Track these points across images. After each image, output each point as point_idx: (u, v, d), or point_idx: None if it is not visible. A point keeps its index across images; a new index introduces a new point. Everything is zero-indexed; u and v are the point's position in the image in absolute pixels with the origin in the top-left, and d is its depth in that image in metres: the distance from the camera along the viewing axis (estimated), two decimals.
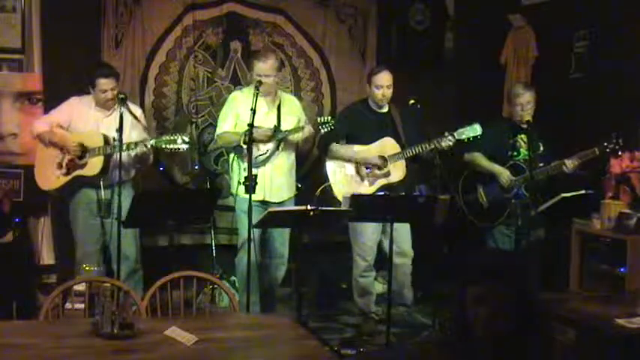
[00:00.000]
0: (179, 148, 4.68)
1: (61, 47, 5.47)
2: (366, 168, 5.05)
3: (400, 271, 5.11)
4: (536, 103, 5.00)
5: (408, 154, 4.96)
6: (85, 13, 5.61)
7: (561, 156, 4.82)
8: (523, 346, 2.07)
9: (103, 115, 4.92)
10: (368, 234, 5.10)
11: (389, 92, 5.04)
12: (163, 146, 4.68)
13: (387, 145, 5.04)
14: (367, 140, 5.07)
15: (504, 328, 2.07)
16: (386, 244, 4.89)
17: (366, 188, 5.03)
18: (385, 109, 5.14)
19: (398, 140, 5.04)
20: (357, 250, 5.17)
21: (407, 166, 5.03)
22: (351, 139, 5.12)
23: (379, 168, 5.01)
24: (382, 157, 5.02)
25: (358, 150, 5.07)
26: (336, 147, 5.09)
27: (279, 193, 5.02)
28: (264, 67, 4.89)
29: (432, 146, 4.85)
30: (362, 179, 5.06)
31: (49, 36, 5.49)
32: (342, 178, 5.10)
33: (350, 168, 5.09)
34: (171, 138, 4.67)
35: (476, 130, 4.85)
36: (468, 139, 4.86)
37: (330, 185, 5.13)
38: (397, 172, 5.03)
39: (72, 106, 4.96)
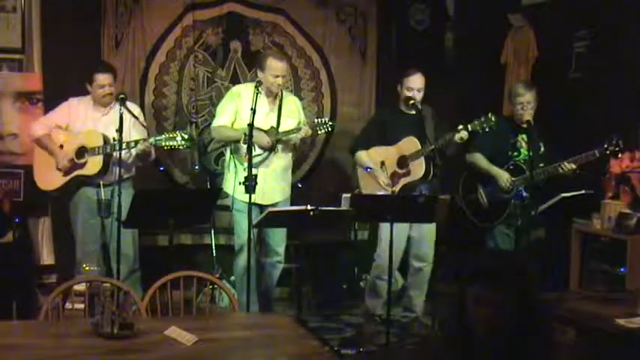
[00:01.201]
0: (179, 146, 4.69)
1: (61, 47, 5.47)
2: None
3: (414, 275, 5.10)
4: (537, 103, 5.00)
5: (426, 152, 4.94)
6: (85, 13, 5.61)
7: (562, 156, 4.82)
8: (523, 347, 2.07)
9: (101, 114, 4.92)
10: (388, 236, 5.06)
11: (419, 95, 5.04)
12: (163, 144, 4.69)
13: (409, 144, 5.03)
14: (396, 142, 5.10)
15: (504, 329, 2.07)
16: (407, 247, 4.90)
17: (390, 189, 5.02)
18: (415, 111, 5.09)
19: (422, 140, 4.99)
20: (379, 250, 5.18)
21: (428, 164, 4.99)
22: (382, 142, 5.15)
23: (400, 167, 5.03)
24: (403, 157, 5.03)
25: (375, 156, 5.10)
26: (358, 155, 5.17)
27: (272, 195, 5.01)
28: (281, 65, 4.89)
29: (447, 140, 4.85)
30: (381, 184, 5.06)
31: (49, 36, 5.49)
32: (370, 182, 5.14)
33: (375, 171, 5.11)
34: (171, 135, 4.68)
35: (491, 120, 4.78)
36: (483, 129, 4.81)
37: (360, 190, 5.18)
38: (417, 170, 5.01)
39: (70, 106, 4.97)
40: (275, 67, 4.86)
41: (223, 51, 6.03)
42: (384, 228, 5.03)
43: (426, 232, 5.08)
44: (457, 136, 4.81)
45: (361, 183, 5.21)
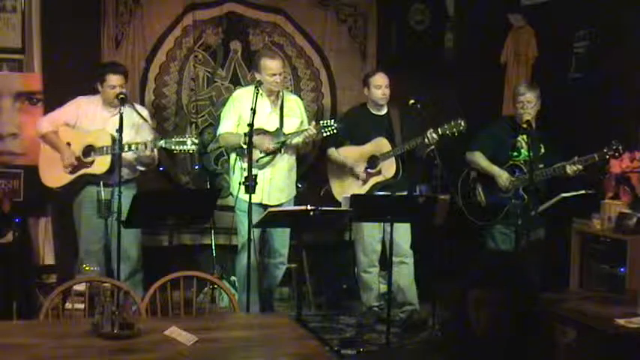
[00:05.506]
0: (188, 150, 4.74)
1: (61, 47, 5.47)
2: (367, 168, 5.14)
3: (398, 270, 5.14)
4: (538, 104, 5.00)
5: (397, 152, 5.11)
6: (85, 13, 5.60)
7: (562, 157, 4.82)
8: (523, 347, 2.07)
9: (110, 114, 4.92)
10: (368, 231, 5.24)
11: (388, 92, 5.20)
12: (173, 147, 4.71)
13: (380, 144, 5.17)
14: (365, 143, 5.23)
15: (505, 330, 2.07)
16: (386, 242, 4.96)
17: (360, 187, 5.17)
18: (384, 112, 5.29)
19: (391, 141, 5.16)
20: (359, 246, 5.33)
21: (399, 164, 5.15)
22: (351, 142, 5.28)
23: (371, 167, 5.17)
24: (372, 156, 5.16)
25: (348, 153, 5.24)
26: (330, 151, 5.28)
27: (278, 195, 5.04)
28: (274, 64, 4.92)
29: (417, 143, 4.98)
30: (357, 179, 5.20)
31: (49, 36, 5.49)
32: (340, 179, 5.27)
33: (346, 169, 5.24)
34: (182, 139, 4.71)
35: (460, 125, 4.89)
36: (453, 134, 4.91)
37: (329, 186, 5.31)
38: (388, 169, 5.15)
39: (79, 105, 4.98)
40: (270, 67, 4.89)
41: (223, 51, 6.03)
42: (359, 226, 5.26)
43: (401, 228, 5.14)
44: (426, 139, 4.91)
45: (331, 180, 5.33)
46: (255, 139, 4.70)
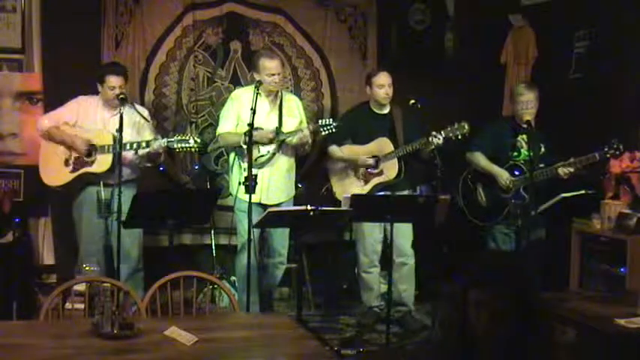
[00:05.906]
0: (191, 148, 4.75)
1: (61, 47, 5.47)
2: (367, 168, 5.13)
3: (398, 270, 5.14)
4: (537, 104, 5.00)
5: (400, 154, 5.07)
6: (85, 13, 5.61)
7: (562, 157, 4.82)
8: (523, 347, 2.07)
9: (110, 114, 4.93)
10: (368, 231, 5.23)
11: (391, 91, 5.18)
12: (175, 146, 4.72)
13: (382, 144, 5.15)
14: (367, 142, 5.20)
15: (505, 330, 2.07)
16: (386, 243, 4.96)
17: (361, 187, 5.16)
18: (386, 111, 5.26)
19: (394, 140, 5.13)
20: (360, 247, 5.33)
21: (401, 165, 5.11)
22: (353, 141, 5.25)
23: (373, 167, 5.15)
24: (375, 157, 5.14)
25: (350, 152, 5.21)
26: (333, 149, 5.24)
27: (277, 195, 5.03)
28: (273, 64, 4.92)
29: (420, 145, 4.94)
30: (358, 179, 5.19)
31: (49, 36, 5.50)
32: (341, 179, 5.25)
33: (347, 169, 5.23)
34: (184, 138, 4.73)
35: (463, 127, 4.85)
36: (457, 137, 4.88)
37: (331, 185, 5.30)
38: (390, 170, 5.13)
39: (79, 104, 4.99)
40: (269, 67, 4.90)
41: (223, 51, 6.03)
42: (360, 226, 5.24)
43: (403, 228, 5.14)
44: (430, 143, 4.86)
45: (331, 180, 5.32)
46: (255, 134, 4.70)
